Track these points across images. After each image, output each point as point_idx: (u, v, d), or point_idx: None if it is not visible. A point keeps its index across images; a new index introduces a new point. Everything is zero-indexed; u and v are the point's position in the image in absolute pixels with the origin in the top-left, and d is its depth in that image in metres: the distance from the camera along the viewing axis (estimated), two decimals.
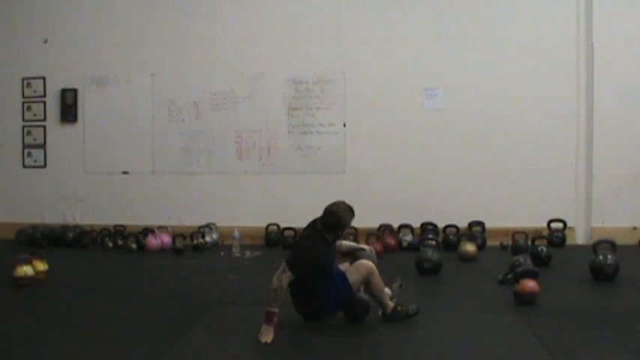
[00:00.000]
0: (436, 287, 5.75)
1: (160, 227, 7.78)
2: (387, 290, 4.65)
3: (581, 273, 5.91)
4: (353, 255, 4.84)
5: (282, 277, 4.24)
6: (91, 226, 8.13)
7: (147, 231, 7.63)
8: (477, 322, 4.56)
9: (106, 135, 8.31)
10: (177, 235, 7.64)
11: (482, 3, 7.92)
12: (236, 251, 7.31)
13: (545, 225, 7.53)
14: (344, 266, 4.68)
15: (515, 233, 7.19)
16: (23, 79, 8.42)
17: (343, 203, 4.54)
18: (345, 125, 8.04)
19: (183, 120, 8.23)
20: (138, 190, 8.29)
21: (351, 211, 4.51)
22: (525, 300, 4.93)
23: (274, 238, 7.83)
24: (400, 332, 4.37)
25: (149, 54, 8.22)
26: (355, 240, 7.27)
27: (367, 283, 4.51)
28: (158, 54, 8.21)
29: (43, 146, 8.46)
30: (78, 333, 4.41)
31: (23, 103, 8.45)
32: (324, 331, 4.39)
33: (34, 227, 8.06)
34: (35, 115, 8.45)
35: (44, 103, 8.43)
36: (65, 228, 8.02)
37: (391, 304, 4.58)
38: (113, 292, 5.60)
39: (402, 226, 7.65)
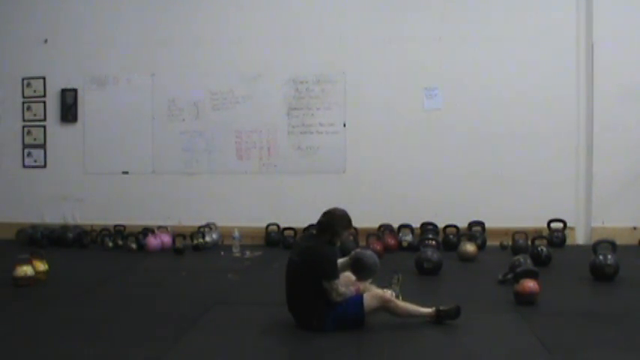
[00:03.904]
0: (436, 287, 5.74)
1: (159, 227, 7.78)
2: (392, 292, 4.63)
3: (581, 273, 5.90)
4: (352, 261, 4.70)
5: (339, 290, 4.33)
6: (91, 226, 8.13)
7: (147, 231, 7.64)
8: (476, 322, 4.55)
9: (106, 135, 8.32)
10: (177, 235, 7.65)
11: (482, 3, 7.92)
12: (236, 251, 7.31)
13: (545, 225, 7.53)
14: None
15: (515, 233, 7.20)
16: (23, 79, 8.43)
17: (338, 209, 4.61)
18: (345, 125, 8.04)
19: (183, 120, 8.23)
20: (138, 190, 8.29)
21: (344, 213, 4.54)
22: (525, 300, 4.93)
23: (274, 238, 7.83)
24: (400, 332, 4.36)
25: (149, 54, 8.23)
26: (355, 240, 7.28)
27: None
28: (158, 54, 8.22)
29: (43, 146, 8.46)
30: (78, 333, 4.41)
31: (23, 103, 8.46)
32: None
33: (34, 227, 8.06)
34: (35, 115, 8.45)
35: (44, 103, 8.44)
36: (65, 228, 8.02)
37: (429, 310, 4.51)
38: (113, 292, 5.59)
39: (402, 226, 7.65)
